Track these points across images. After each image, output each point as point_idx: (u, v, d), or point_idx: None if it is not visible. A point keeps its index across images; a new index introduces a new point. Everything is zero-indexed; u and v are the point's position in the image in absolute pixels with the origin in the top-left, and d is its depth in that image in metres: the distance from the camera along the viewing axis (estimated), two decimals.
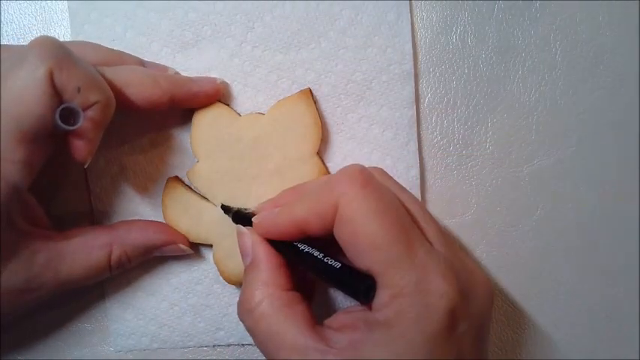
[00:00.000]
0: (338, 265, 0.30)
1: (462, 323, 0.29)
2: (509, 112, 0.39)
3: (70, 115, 0.29)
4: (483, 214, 0.39)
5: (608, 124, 0.40)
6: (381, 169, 0.35)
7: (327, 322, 0.32)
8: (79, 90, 0.29)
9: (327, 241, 0.32)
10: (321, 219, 0.30)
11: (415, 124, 0.38)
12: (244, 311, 0.31)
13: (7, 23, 0.38)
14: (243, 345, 0.39)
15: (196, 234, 0.37)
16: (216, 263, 0.37)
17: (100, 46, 0.35)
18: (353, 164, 0.32)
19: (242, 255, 0.33)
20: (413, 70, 0.38)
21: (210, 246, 0.37)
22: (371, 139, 0.38)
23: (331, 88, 0.38)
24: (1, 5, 0.38)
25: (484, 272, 0.31)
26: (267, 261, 0.32)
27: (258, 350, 0.38)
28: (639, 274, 0.40)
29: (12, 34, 0.38)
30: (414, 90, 0.38)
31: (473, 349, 0.29)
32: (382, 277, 0.28)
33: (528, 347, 0.40)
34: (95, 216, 0.38)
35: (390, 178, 0.34)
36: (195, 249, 0.38)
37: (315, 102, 0.37)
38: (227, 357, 0.39)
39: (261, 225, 0.32)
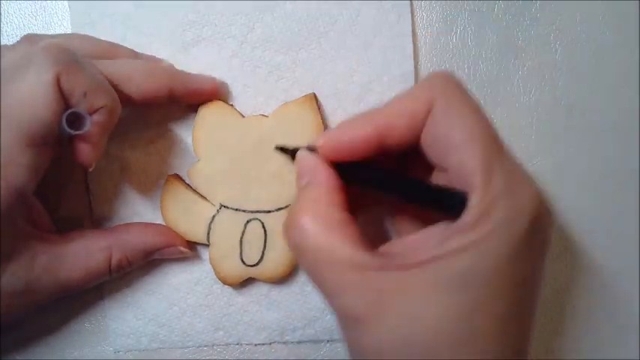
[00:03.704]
0: (422, 183, 0.30)
1: (539, 235, 0.28)
2: (509, 112, 0.40)
3: (76, 119, 0.30)
4: None
5: (608, 124, 0.41)
6: None
7: (383, 247, 0.31)
8: (85, 95, 0.30)
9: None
10: (410, 119, 0.30)
11: None
12: (291, 226, 0.30)
13: (7, 23, 0.39)
14: (242, 345, 0.40)
15: (194, 233, 0.38)
16: (212, 263, 0.38)
17: (94, 38, 0.36)
18: (441, 70, 0.32)
19: (298, 178, 0.32)
20: (414, 72, 0.39)
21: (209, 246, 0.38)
22: None
23: (332, 89, 0.39)
24: (1, 5, 0.39)
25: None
26: (325, 181, 0.31)
27: (257, 350, 0.40)
28: (639, 274, 0.41)
29: (12, 34, 0.39)
30: None
31: (538, 269, 0.29)
32: (474, 177, 0.28)
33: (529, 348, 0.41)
34: (94, 215, 0.39)
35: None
36: (195, 249, 0.39)
37: (320, 107, 0.38)
38: (226, 357, 0.40)
39: (331, 143, 0.31)
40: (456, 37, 0.40)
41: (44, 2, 0.39)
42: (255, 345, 0.40)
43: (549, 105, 0.41)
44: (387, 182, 0.31)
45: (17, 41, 0.34)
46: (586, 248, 0.41)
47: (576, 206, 0.41)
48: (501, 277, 0.26)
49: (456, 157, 0.29)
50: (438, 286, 0.26)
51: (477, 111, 0.29)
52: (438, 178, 0.31)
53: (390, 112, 0.30)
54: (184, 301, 0.40)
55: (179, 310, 0.40)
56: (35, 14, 0.39)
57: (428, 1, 0.40)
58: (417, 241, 0.30)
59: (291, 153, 0.33)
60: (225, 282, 0.38)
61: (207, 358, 0.40)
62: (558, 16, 0.40)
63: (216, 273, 0.38)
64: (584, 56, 0.41)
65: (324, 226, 0.29)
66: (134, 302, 0.39)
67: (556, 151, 0.41)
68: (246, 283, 0.39)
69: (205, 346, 0.40)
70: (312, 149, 0.32)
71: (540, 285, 0.30)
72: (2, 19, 0.39)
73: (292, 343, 0.40)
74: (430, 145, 0.30)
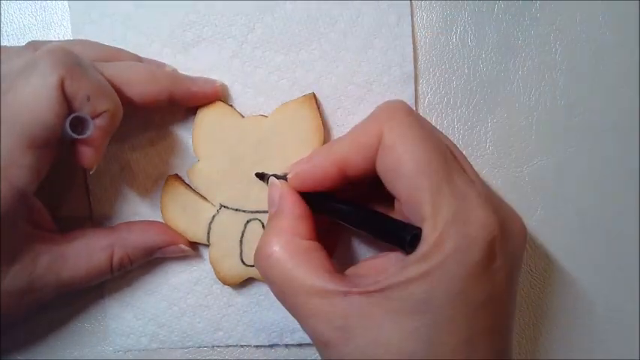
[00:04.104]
0: (381, 216, 0.32)
1: (498, 257, 0.29)
2: (509, 112, 0.40)
3: (79, 123, 0.31)
4: None
5: (608, 124, 0.41)
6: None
7: (350, 270, 0.33)
8: (88, 98, 0.31)
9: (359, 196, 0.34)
10: (363, 151, 0.31)
11: None
12: (260, 257, 0.32)
13: (7, 23, 0.39)
14: (242, 346, 0.40)
15: (193, 233, 0.38)
16: (212, 263, 0.38)
17: (97, 43, 0.37)
18: (392, 100, 0.34)
19: (269, 206, 0.34)
20: (414, 73, 0.39)
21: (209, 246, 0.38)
22: None
23: (332, 89, 0.39)
24: (1, 5, 0.39)
25: (517, 213, 0.32)
26: (290, 210, 0.33)
27: (257, 351, 0.40)
28: (639, 274, 0.41)
29: (12, 34, 0.40)
30: (414, 92, 0.39)
31: (506, 287, 0.30)
32: (423, 207, 0.29)
33: (528, 347, 0.41)
34: (94, 215, 0.39)
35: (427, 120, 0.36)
36: (195, 249, 0.39)
37: (319, 107, 0.38)
38: (226, 357, 0.40)
39: (298, 175, 0.33)
40: (456, 37, 0.40)
41: (44, 2, 0.40)
42: (255, 347, 0.40)
43: (549, 105, 0.41)
44: (346, 215, 0.33)
45: (22, 47, 0.34)
46: (586, 248, 0.41)
47: (576, 206, 0.41)
48: (457, 302, 0.28)
49: (404, 189, 0.30)
50: (399, 311, 0.28)
51: (424, 139, 0.30)
52: (400, 207, 0.32)
53: (345, 146, 0.32)
54: (184, 301, 0.40)
55: (179, 310, 0.40)
56: (35, 14, 0.40)
57: (428, 1, 0.40)
58: (380, 265, 0.32)
59: (267, 179, 0.36)
60: (225, 282, 0.39)
61: (207, 358, 0.40)
62: (558, 16, 0.41)
63: (216, 273, 0.38)
64: (584, 56, 0.41)
65: (289, 255, 0.31)
66: (134, 302, 0.40)
67: (556, 151, 0.41)
68: (245, 283, 0.39)
69: (205, 346, 0.40)
70: (286, 177, 0.34)
71: (514, 300, 0.31)
72: (2, 19, 0.40)
73: (291, 344, 0.40)
74: (383, 177, 0.31)
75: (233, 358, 0.40)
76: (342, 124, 0.39)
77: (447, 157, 0.30)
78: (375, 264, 0.32)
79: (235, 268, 0.38)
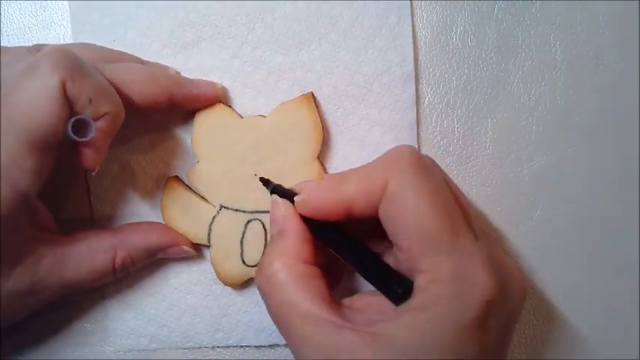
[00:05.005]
0: (377, 261, 0.31)
1: (493, 317, 0.29)
2: (509, 112, 0.41)
3: (81, 125, 0.31)
4: (484, 214, 0.41)
5: (608, 124, 0.41)
6: (429, 156, 0.36)
7: (346, 300, 0.33)
8: (90, 101, 0.30)
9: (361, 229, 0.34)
10: (368, 197, 0.31)
11: (415, 126, 0.39)
12: (262, 277, 0.32)
13: (7, 23, 0.40)
14: (242, 346, 0.40)
15: (194, 234, 0.38)
16: (213, 264, 0.38)
17: (100, 46, 0.37)
18: (402, 145, 0.33)
19: (271, 223, 0.34)
20: (414, 73, 0.39)
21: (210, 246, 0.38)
22: (371, 141, 0.39)
23: (332, 89, 0.39)
24: (1, 5, 0.39)
25: (519, 272, 0.31)
26: (294, 233, 0.33)
27: (257, 351, 0.40)
28: (639, 274, 0.41)
29: (12, 34, 0.40)
30: (414, 92, 0.39)
31: (497, 345, 0.29)
32: (422, 261, 0.29)
33: (527, 347, 0.41)
34: (95, 216, 0.39)
35: (437, 164, 0.35)
36: (196, 249, 0.39)
37: (318, 106, 0.38)
38: (227, 357, 0.40)
39: (305, 202, 0.33)
40: (456, 37, 0.40)
41: (44, 2, 0.40)
42: (255, 347, 0.41)
43: (549, 105, 0.41)
44: (343, 250, 0.33)
45: (25, 50, 0.34)
46: (586, 248, 0.41)
47: (576, 206, 0.41)
48: (448, 357, 0.28)
49: (405, 240, 0.30)
50: (388, 356, 0.28)
51: (430, 193, 0.30)
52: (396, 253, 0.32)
53: (351, 189, 0.32)
54: (184, 302, 0.40)
55: (179, 311, 0.40)
56: (35, 14, 0.40)
57: (428, 1, 0.40)
58: (377, 303, 0.31)
59: (270, 188, 0.36)
60: (226, 282, 0.39)
61: (208, 358, 0.40)
62: (558, 16, 0.41)
63: (217, 274, 0.39)
64: (584, 56, 0.41)
65: (291, 279, 0.31)
66: (134, 302, 0.40)
67: (556, 151, 0.41)
68: (246, 283, 0.39)
69: (205, 347, 0.40)
70: (290, 194, 0.34)
71: (506, 354, 0.31)
72: (2, 19, 0.40)
73: None
74: (385, 223, 0.31)
75: (233, 358, 0.40)
76: (342, 124, 0.39)
77: (453, 213, 0.30)
78: (372, 301, 0.32)
79: (236, 269, 0.38)
